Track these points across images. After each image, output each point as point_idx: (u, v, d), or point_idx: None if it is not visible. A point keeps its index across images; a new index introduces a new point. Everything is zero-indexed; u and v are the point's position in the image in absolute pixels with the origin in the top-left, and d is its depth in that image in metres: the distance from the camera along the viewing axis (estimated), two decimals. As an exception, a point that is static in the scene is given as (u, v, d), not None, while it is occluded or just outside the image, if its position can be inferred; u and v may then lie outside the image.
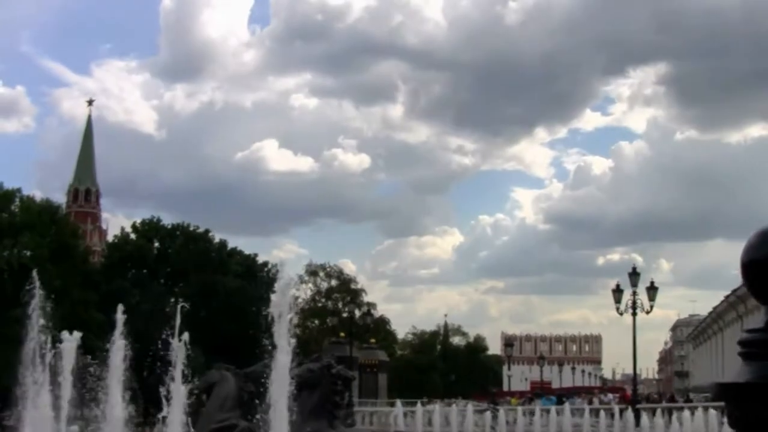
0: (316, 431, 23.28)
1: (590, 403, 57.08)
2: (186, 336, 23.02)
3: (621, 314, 45.80)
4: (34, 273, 29.94)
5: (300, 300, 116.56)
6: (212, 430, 24.74)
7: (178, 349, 22.83)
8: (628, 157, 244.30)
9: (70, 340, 26.60)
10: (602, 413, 42.85)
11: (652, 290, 46.35)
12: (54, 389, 26.74)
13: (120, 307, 25.33)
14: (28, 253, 78.18)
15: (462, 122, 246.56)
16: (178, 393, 22.49)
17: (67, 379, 25.77)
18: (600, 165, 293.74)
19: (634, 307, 45.06)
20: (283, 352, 20.42)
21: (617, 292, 46.36)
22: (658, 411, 42.64)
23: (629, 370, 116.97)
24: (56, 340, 27.01)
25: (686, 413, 38.85)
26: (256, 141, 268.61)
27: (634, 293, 45.35)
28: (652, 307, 45.73)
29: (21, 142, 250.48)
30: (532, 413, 46.65)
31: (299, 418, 21.05)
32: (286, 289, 22.45)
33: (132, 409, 25.85)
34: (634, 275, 45.61)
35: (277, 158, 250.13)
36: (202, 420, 24.92)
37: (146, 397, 39.76)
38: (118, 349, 24.47)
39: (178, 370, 22.60)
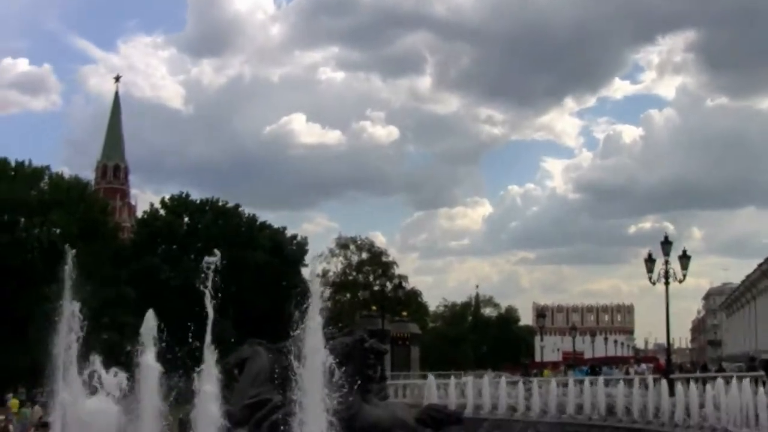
0: (348, 405, 23.06)
1: (627, 373, 56.72)
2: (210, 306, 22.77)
3: (653, 284, 45.48)
4: (68, 250, 29.92)
5: (331, 274, 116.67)
6: (245, 405, 24.62)
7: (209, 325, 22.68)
8: (658, 125, 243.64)
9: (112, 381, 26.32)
10: (636, 383, 42.50)
11: (684, 259, 45.94)
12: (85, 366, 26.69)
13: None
14: (58, 231, 78.57)
15: (491, 93, 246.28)
16: (209, 369, 22.37)
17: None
18: (630, 133, 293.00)
19: (666, 276, 44.69)
20: (316, 328, 20.25)
21: (649, 261, 45.96)
22: (692, 381, 42.22)
23: (662, 340, 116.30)
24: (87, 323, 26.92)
25: (720, 382, 38.42)
26: (284, 115, 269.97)
27: (667, 262, 44.98)
28: (685, 276, 45.38)
29: (49, 120, 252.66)
30: (565, 384, 46.40)
31: (332, 391, 20.83)
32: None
33: (164, 386, 25.77)
34: (667, 244, 45.18)
35: (306, 132, 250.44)
36: (235, 395, 24.81)
37: (179, 373, 39.69)
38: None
39: (209, 347, 22.48)
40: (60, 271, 29.24)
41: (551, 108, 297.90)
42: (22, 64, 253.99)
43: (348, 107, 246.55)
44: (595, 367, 67.48)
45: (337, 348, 22.63)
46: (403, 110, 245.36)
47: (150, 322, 23.47)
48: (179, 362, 24.76)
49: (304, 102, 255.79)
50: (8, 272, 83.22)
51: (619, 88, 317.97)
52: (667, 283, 44.52)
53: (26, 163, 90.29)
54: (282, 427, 22.68)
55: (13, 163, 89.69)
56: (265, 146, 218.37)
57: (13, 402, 55.71)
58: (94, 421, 24.73)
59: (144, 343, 23.85)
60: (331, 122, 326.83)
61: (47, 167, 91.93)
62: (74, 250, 31.52)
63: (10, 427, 32.80)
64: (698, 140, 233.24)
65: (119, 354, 26.18)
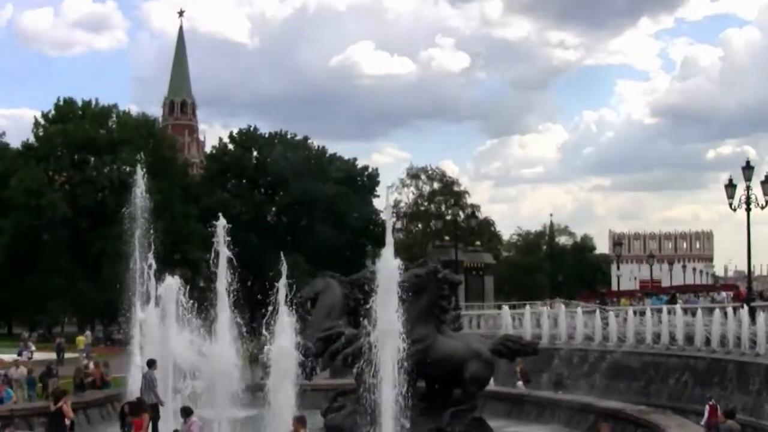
0: (423, 336, 22.81)
1: (713, 300, 55.72)
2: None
3: (734, 210, 44.25)
4: (138, 179, 29.80)
5: (402, 204, 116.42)
6: (319, 338, 24.43)
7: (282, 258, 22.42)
8: (738, 45, 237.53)
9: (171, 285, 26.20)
10: (716, 312, 41.64)
11: (767, 184, 44.56)
12: (159, 304, 26.68)
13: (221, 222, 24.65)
14: (127, 169, 78.98)
15: (563, 16, 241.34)
16: (282, 303, 22.17)
17: (171, 326, 25.53)
18: (708, 54, 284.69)
19: (747, 202, 43.42)
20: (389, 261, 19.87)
21: (730, 186, 44.67)
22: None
23: (742, 267, 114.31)
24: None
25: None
26: (350, 45, 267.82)
27: (748, 188, 43.70)
28: (767, 201, 44.10)
29: (114, 58, 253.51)
30: (642, 313, 45.65)
31: (406, 323, 20.54)
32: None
33: (238, 320, 25.68)
34: (748, 169, 43.90)
35: (373, 61, 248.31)
36: (309, 328, 24.61)
37: (252, 308, 39.61)
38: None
39: (282, 280, 22.25)
40: (131, 209, 29.25)
41: (626, 30, 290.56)
42: (86, 2, 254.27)
43: (417, 34, 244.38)
44: (675, 295, 66.16)
45: (411, 280, 22.30)
46: (474, 36, 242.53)
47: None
48: (252, 296, 24.55)
49: (371, 31, 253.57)
50: (80, 211, 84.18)
51: (697, 7, 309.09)
52: (748, 209, 43.25)
53: (93, 102, 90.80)
54: (356, 360, 22.48)
55: (80, 103, 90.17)
56: (333, 77, 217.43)
57: (79, 339, 56.39)
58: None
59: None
60: (399, 50, 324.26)
61: (114, 106, 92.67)
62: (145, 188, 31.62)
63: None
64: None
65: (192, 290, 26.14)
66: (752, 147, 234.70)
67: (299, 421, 18.71)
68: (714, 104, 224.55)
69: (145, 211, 30.79)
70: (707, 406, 29.63)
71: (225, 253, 23.27)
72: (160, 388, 24.39)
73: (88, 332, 65.20)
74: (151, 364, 24.19)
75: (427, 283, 23.45)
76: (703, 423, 27.25)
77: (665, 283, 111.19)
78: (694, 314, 42.37)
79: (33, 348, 50.23)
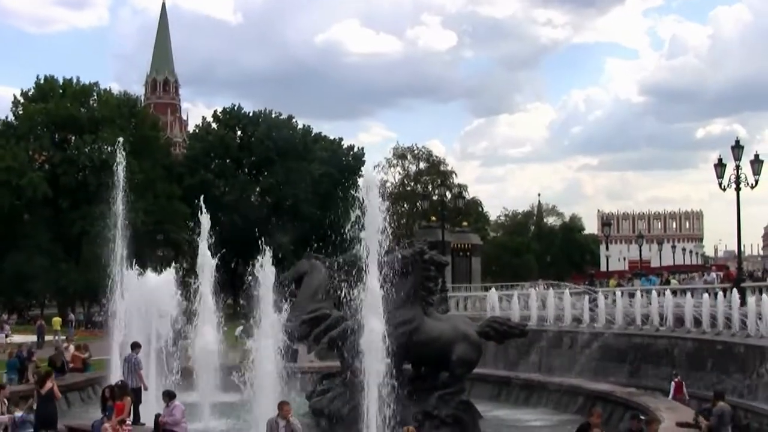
0: (410, 318, 22.61)
1: (705, 282, 55.27)
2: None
3: (724, 189, 43.83)
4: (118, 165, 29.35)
5: (388, 184, 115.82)
6: (303, 321, 24.11)
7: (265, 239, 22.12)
8: (727, 23, 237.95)
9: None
10: (705, 293, 41.28)
11: (756, 163, 44.09)
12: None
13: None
14: (109, 148, 78.34)
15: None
16: (267, 284, 21.90)
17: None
18: (697, 32, 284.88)
19: (737, 181, 42.98)
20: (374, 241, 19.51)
21: (719, 166, 44.21)
22: (764, 290, 40.87)
23: (732, 247, 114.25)
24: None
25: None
26: (336, 22, 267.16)
27: (738, 167, 43.27)
28: (757, 181, 43.60)
29: (96, 36, 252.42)
30: (631, 295, 45.28)
31: (392, 305, 20.26)
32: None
33: (222, 301, 25.36)
34: (738, 148, 43.46)
35: (359, 39, 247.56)
36: (294, 310, 24.26)
37: (235, 288, 39.10)
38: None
39: (266, 261, 21.97)
40: (112, 189, 28.77)
41: (614, 7, 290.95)
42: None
43: (402, 12, 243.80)
44: (668, 278, 65.35)
45: (397, 261, 22.02)
46: (460, 14, 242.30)
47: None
48: (235, 276, 24.08)
49: (356, 7, 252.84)
50: (61, 191, 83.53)
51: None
52: (738, 189, 42.79)
53: (74, 80, 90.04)
54: (341, 343, 22.26)
55: (60, 81, 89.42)
56: (318, 54, 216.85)
57: (55, 320, 56.13)
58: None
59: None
60: (385, 28, 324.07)
61: (96, 84, 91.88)
62: (127, 168, 31.10)
63: None
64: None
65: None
66: (741, 125, 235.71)
67: (287, 405, 18.29)
68: (703, 82, 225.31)
69: (126, 190, 30.26)
70: (673, 383, 29.90)
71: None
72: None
73: (71, 316, 64.86)
74: (134, 347, 23.77)
75: (414, 264, 23.15)
76: (668, 399, 27.12)
77: (654, 264, 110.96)
78: (684, 294, 42.06)
79: (8, 330, 49.88)
